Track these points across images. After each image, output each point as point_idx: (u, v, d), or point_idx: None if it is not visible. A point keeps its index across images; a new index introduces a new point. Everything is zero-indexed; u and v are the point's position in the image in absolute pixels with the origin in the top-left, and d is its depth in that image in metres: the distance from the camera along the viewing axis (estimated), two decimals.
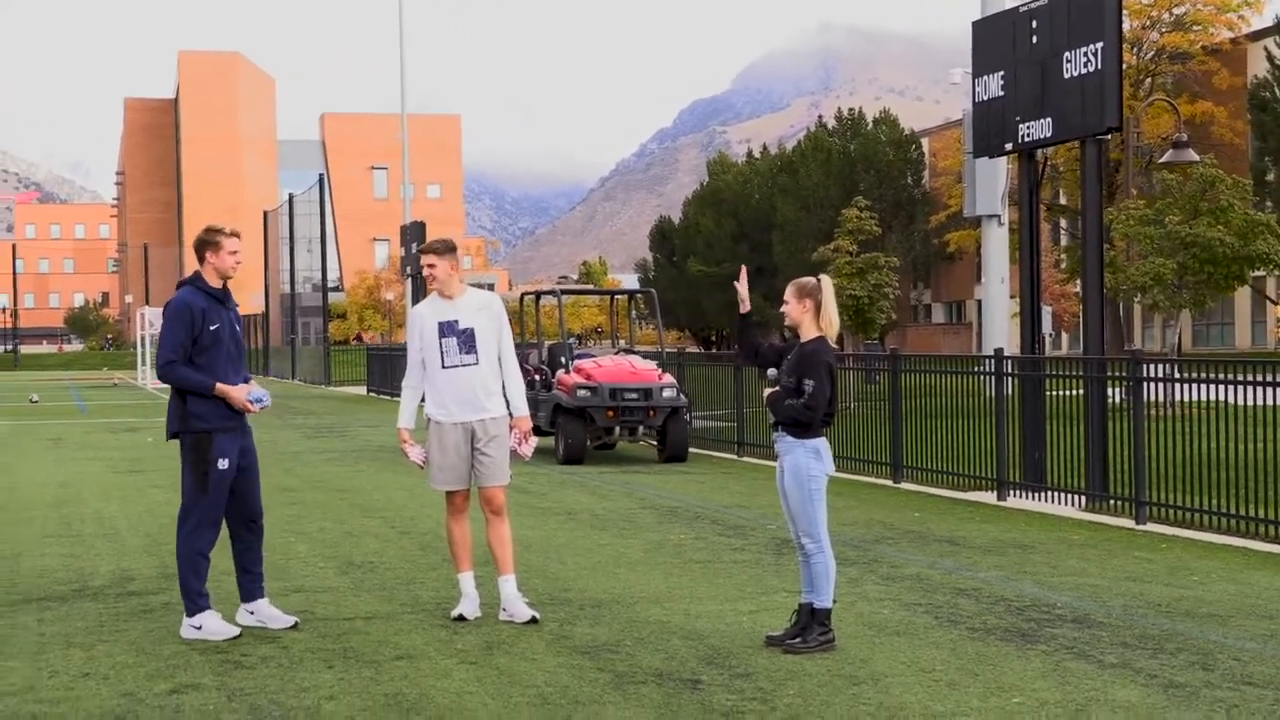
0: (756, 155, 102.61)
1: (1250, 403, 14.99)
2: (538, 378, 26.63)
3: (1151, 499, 15.94)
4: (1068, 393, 18.24)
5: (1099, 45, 17.09)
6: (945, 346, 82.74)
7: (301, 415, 41.20)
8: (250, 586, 10.46)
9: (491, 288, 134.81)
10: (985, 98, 19.27)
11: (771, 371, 9.98)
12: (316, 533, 15.60)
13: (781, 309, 9.85)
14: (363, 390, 56.89)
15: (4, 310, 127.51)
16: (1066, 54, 17.55)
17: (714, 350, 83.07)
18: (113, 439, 31.90)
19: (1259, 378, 14.80)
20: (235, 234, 10.47)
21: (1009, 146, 19.00)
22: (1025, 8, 18.53)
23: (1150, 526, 15.64)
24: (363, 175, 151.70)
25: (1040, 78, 18.06)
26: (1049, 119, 17.95)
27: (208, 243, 10.29)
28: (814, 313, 9.63)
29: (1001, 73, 18.85)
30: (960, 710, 8.12)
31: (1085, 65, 17.25)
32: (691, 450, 25.33)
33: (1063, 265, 60.95)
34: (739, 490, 19.91)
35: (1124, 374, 17.09)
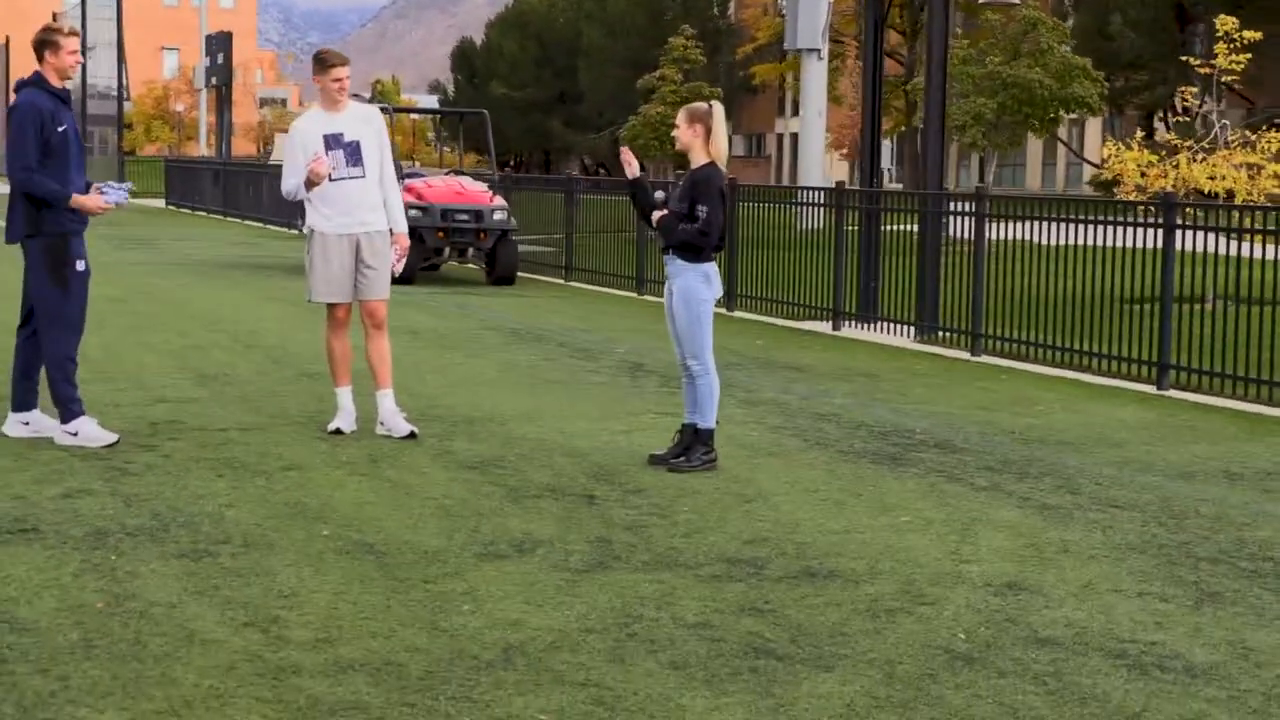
0: None
1: (1062, 241, 15.45)
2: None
3: (986, 332, 16.30)
4: (901, 228, 18.47)
5: None
6: (745, 179, 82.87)
7: (104, 225, 40.25)
8: (24, 394, 10.26)
9: (284, 103, 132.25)
10: None
11: (660, 194, 9.95)
12: (161, 344, 15.46)
13: (672, 134, 9.83)
14: (161, 203, 55.05)
15: None
16: None
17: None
18: None
19: (1105, 217, 15.14)
20: (75, 32, 10.29)
21: None
22: None
23: (984, 359, 16.04)
24: None
25: None
26: None
27: (46, 42, 9.83)
28: (704, 138, 9.59)
29: None
30: (854, 528, 8.29)
31: None
32: (519, 274, 25.26)
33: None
34: (575, 314, 20.06)
35: (969, 209, 17.31)
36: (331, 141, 10.43)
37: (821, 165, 35.36)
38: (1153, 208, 14.78)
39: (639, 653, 5.96)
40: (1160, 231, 14.28)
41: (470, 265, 25.61)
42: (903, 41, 55.80)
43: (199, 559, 7.23)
